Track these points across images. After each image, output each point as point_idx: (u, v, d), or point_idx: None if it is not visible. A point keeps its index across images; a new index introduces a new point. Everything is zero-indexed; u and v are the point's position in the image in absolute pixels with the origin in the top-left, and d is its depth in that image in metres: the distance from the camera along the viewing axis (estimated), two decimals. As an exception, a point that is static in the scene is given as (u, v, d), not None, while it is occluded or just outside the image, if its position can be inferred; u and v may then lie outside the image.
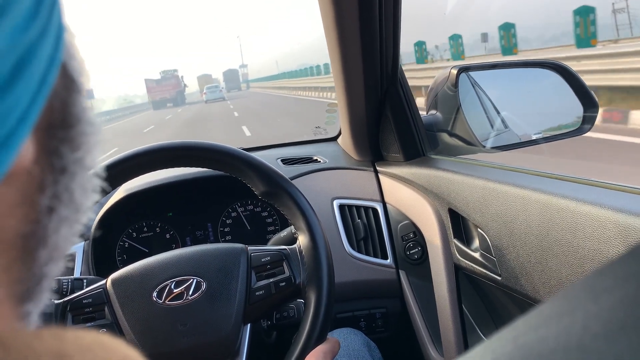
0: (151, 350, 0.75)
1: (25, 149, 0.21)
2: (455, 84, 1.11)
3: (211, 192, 1.26)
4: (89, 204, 0.25)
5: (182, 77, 65.97)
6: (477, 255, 0.92)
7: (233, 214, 1.27)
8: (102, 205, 1.16)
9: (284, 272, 0.81)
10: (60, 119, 0.23)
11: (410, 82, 1.21)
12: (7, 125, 0.18)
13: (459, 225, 0.98)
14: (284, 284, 0.80)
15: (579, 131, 1.08)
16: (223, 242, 1.25)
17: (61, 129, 0.23)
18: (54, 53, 0.21)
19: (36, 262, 0.22)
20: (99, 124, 0.25)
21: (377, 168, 1.26)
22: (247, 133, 12.35)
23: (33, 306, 0.23)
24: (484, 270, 0.90)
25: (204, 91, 47.28)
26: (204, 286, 0.79)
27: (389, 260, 1.12)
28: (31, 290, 0.23)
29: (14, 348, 0.18)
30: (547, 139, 1.13)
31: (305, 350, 0.76)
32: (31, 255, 0.22)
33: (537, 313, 0.18)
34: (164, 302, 0.77)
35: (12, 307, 0.22)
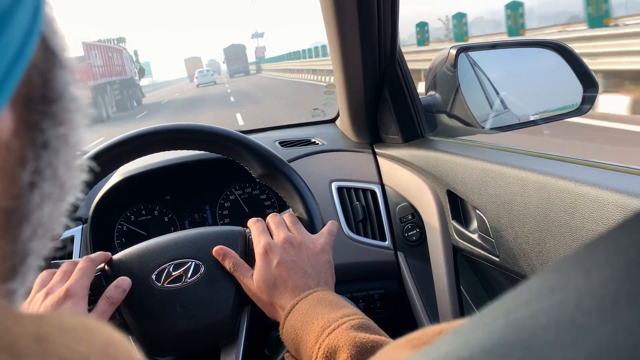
0: (151, 333, 0.76)
1: (3, 121, 0.20)
2: (455, 65, 1.10)
3: (209, 175, 1.25)
4: (76, 183, 0.25)
5: (134, 52, 37.30)
6: (475, 236, 0.92)
7: (231, 197, 1.27)
8: (99, 188, 1.15)
9: None
10: (41, 92, 0.22)
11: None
12: None
13: (457, 207, 0.98)
14: None
15: (578, 111, 1.07)
16: (222, 225, 1.25)
17: (42, 103, 0.22)
18: (32, 24, 0.20)
19: (19, 238, 0.22)
20: (84, 101, 0.24)
21: (376, 150, 1.25)
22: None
23: (18, 284, 0.22)
24: (482, 252, 0.90)
25: (196, 75, 45.35)
26: (202, 269, 0.79)
27: (387, 242, 1.12)
28: (16, 267, 0.22)
29: None
30: (546, 120, 1.12)
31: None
32: (14, 231, 0.22)
33: (528, 287, 0.18)
34: (162, 284, 0.77)
35: None
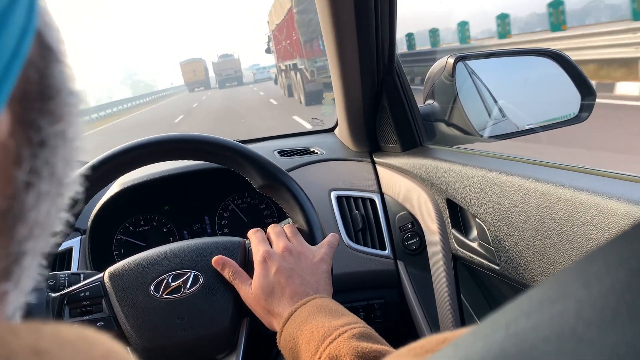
0: (149, 344, 0.75)
1: (1, 122, 0.20)
2: (452, 73, 1.10)
3: (208, 185, 1.25)
4: (73, 177, 0.24)
5: None
6: (475, 245, 0.92)
7: (230, 207, 1.26)
8: (98, 199, 1.15)
9: None
10: (38, 90, 0.22)
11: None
12: None
13: (456, 215, 0.98)
14: None
15: (576, 119, 1.07)
16: (220, 235, 1.25)
17: (39, 100, 0.22)
18: (27, 21, 0.20)
19: (14, 239, 0.21)
20: (81, 93, 0.24)
21: (375, 159, 1.25)
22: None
23: (11, 286, 0.22)
24: (482, 260, 0.90)
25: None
26: (201, 279, 0.78)
27: (387, 251, 1.11)
28: (10, 268, 0.22)
29: None
30: (544, 128, 1.12)
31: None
32: (8, 232, 0.21)
33: (528, 298, 0.18)
34: (161, 295, 0.77)
35: None
